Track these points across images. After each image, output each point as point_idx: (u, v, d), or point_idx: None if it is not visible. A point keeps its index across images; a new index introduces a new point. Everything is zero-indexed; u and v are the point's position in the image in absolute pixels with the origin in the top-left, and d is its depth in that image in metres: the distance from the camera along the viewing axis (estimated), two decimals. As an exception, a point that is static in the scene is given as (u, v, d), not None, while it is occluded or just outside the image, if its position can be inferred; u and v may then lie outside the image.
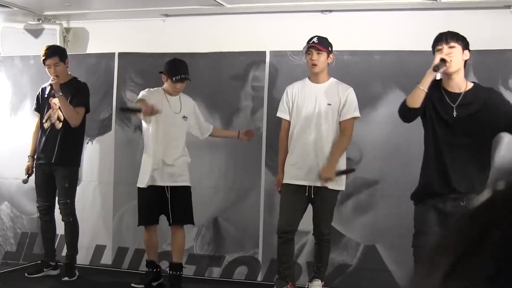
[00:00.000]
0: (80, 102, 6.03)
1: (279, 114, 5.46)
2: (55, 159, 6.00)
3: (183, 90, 5.77)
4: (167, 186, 5.66)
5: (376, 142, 5.95)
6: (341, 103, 5.29)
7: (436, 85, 4.42)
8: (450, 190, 4.31)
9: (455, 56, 4.31)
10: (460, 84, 4.40)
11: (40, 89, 6.25)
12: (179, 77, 5.61)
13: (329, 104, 5.27)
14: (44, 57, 6.01)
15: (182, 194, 5.71)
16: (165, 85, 5.74)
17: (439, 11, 6.00)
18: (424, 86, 4.33)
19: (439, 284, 0.49)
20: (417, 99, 4.35)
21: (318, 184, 5.20)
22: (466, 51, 4.38)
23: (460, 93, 4.37)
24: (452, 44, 4.32)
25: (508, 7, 5.88)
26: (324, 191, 5.23)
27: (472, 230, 0.49)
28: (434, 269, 0.50)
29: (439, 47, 4.34)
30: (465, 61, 4.42)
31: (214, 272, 6.43)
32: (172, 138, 5.70)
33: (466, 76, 5.50)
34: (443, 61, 4.26)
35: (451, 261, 0.49)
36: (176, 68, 5.66)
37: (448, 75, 4.36)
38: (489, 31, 5.83)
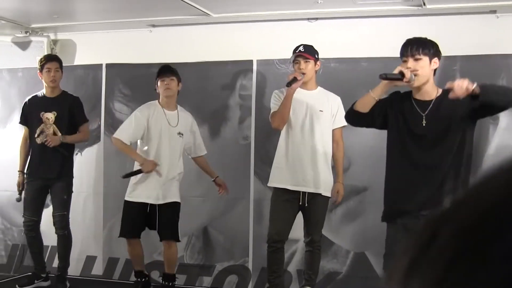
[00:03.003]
0: (83, 118, 6.12)
1: (274, 110, 5.29)
2: (55, 174, 5.96)
3: (179, 103, 5.79)
4: (155, 204, 5.64)
5: (364, 149, 5.94)
6: (333, 111, 5.31)
7: (406, 95, 4.26)
8: (420, 206, 4.04)
9: (422, 69, 4.11)
10: (430, 92, 4.22)
11: (25, 101, 6.17)
12: (163, 70, 5.66)
13: (321, 111, 5.28)
14: (44, 61, 6.01)
15: (169, 210, 5.66)
16: (161, 98, 5.71)
17: (425, 17, 6.00)
18: (375, 94, 4.20)
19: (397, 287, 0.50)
20: (365, 105, 4.23)
21: (312, 190, 5.21)
22: (435, 59, 4.18)
23: (431, 101, 4.19)
24: (418, 56, 4.11)
25: (493, 12, 5.88)
26: (318, 198, 5.23)
27: (425, 234, 0.51)
28: (394, 273, 0.51)
29: (405, 58, 4.14)
30: (435, 69, 4.23)
31: (204, 282, 6.43)
32: (171, 155, 5.66)
33: (453, 80, 5.53)
34: (401, 74, 4.05)
35: (406, 264, 0.50)
36: (161, 69, 5.69)
37: (415, 87, 4.19)
38: (475, 37, 5.84)
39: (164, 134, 5.66)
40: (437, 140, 4.15)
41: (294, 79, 5.06)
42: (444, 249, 0.48)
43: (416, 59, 4.11)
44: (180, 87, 5.74)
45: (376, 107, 4.24)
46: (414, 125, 4.19)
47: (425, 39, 4.22)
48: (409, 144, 4.21)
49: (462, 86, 3.81)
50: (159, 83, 5.66)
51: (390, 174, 4.35)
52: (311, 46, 5.28)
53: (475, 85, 3.84)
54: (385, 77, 4.11)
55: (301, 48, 5.23)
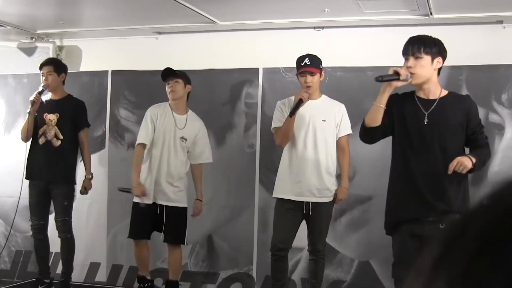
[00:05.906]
0: (84, 123, 6.08)
1: (276, 125, 5.33)
2: (55, 177, 5.96)
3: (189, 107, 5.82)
4: (163, 205, 5.64)
5: (369, 158, 5.93)
6: (337, 120, 5.29)
7: (409, 95, 4.19)
8: (427, 212, 3.97)
9: (421, 68, 4.03)
10: (434, 90, 4.15)
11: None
12: (165, 73, 5.65)
13: (323, 121, 5.26)
14: (40, 65, 6.04)
15: (177, 215, 5.67)
16: (170, 102, 5.75)
17: (432, 27, 5.97)
18: (380, 103, 4.05)
19: (422, 285, 0.52)
20: (376, 118, 4.08)
21: (315, 199, 5.20)
22: (439, 59, 4.08)
23: (434, 100, 4.14)
24: (419, 55, 4.03)
25: (500, 22, 5.88)
26: (321, 207, 5.22)
27: (452, 230, 0.52)
28: (421, 267, 0.53)
29: (406, 56, 4.07)
30: (439, 68, 4.13)
31: (208, 289, 6.42)
32: (174, 157, 5.66)
33: (459, 90, 5.53)
34: (396, 73, 3.97)
35: (433, 257, 0.52)
36: (163, 73, 5.69)
37: (417, 86, 4.14)
38: (482, 47, 5.84)
39: (169, 136, 5.67)
40: (440, 142, 4.09)
41: (300, 102, 5.01)
42: (471, 242, 0.49)
43: (417, 58, 4.03)
44: (189, 89, 5.74)
45: (384, 116, 4.13)
46: (416, 124, 4.11)
47: (429, 37, 4.15)
48: (413, 145, 4.12)
49: (462, 165, 3.94)
50: (166, 87, 5.68)
51: (394, 181, 4.27)
52: (316, 57, 5.24)
53: (473, 162, 3.96)
54: (381, 79, 3.99)
55: (307, 61, 5.17)
